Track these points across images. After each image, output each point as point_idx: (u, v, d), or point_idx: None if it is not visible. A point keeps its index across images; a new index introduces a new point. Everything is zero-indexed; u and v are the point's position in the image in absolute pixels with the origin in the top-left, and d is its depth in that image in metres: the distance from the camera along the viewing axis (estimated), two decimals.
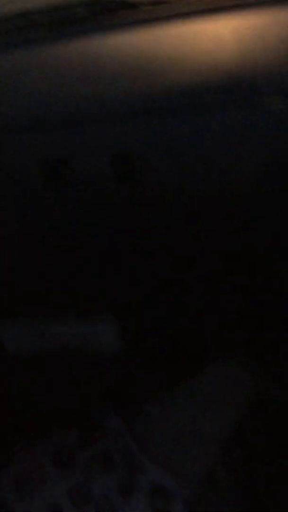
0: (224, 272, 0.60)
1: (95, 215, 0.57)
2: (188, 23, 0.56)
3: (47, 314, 0.73)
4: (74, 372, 0.82)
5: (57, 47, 0.59)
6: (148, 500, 0.75)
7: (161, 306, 0.69)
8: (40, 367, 0.79)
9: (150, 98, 0.54)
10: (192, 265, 0.59)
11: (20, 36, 0.63)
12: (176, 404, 0.80)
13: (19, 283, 0.66)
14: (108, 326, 0.72)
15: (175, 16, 0.57)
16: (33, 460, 0.83)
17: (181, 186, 0.54)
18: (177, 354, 0.82)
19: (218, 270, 0.59)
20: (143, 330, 0.77)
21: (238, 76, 0.52)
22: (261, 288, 0.62)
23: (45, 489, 0.80)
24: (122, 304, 0.70)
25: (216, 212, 0.55)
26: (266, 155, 0.52)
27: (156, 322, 0.76)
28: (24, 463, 0.83)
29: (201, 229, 0.56)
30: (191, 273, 0.60)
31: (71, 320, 0.72)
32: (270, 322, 0.69)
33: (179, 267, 0.60)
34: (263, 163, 0.53)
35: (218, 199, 0.54)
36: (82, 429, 0.87)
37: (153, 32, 0.57)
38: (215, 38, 0.55)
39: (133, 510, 0.75)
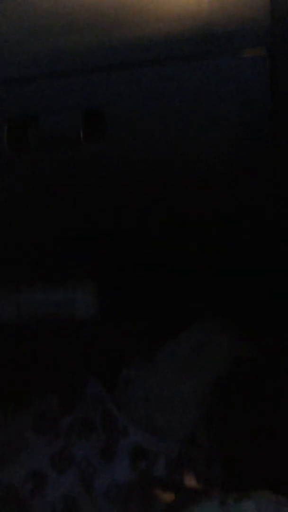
0: (202, 231, 0.59)
1: (65, 176, 0.56)
2: None
3: (22, 282, 0.72)
4: (52, 339, 0.82)
5: None
6: (130, 461, 0.76)
7: (138, 269, 0.68)
8: (17, 335, 0.78)
9: (123, 50, 0.52)
10: (168, 225, 0.58)
11: None
12: (155, 368, 0.80)
13: None
14: (85, 292, 0.71)
15: None
16: (13, 428, 0.83)
17: (156, 142, 0.53)
18: (156, 318, 0.82)
19: (195, 229, 0.59)
20: (121, 295, 0.77)
21: (213, 26, 0.51)
22: (240, 247, 0.61)
23: (27, 456, 0.80)
24: (99, 270, 0.70)
25: (193, 168, 0.53)
26: (242, 104, 0.51)
27: (133, 286, 0.75)
28: (4, 431, 0.83)
29: (177, 187, 0.54)
30: (168, 233, 0.59)
31: (47, 288, 0.71)
32: (250, 282, 0.69)
33: (154, 228, 0.58)
34: (239, 114, 0.51)
35: (194, 154, 0.52)
36: (62, 395, 0.87)
37: None
38: None
39: (116, 472, 0.76)
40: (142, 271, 0.67)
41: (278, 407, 0.88)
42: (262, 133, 0.51)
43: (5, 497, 0.77)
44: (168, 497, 0.78)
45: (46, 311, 0.72)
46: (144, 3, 0.55)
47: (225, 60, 0.50)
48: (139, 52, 0.52)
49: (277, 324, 0.77)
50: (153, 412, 0.78)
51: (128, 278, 0.70)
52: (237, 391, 0.85)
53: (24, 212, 0.58)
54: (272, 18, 0.51)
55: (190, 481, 0.79)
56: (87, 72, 0.53)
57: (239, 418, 0.87)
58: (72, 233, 0.61)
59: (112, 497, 0.76)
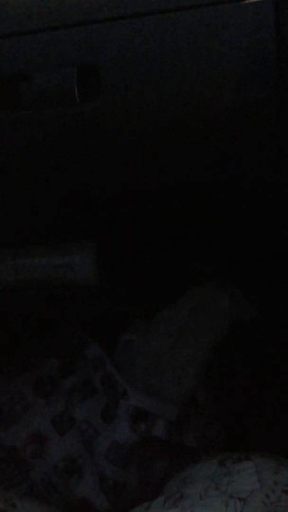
0: (200, 190, 0.57)
1: (59, 136, 0.53)
2: None
3: (21, 246, 0.71)
4: (52, 303, 0.81)
5: None
6: (130, 423, 0.77)
7: (137, 232, 0.67)
8: (17, 299, 0.78)
9: (118, 1, 0.50)
10: (168, 184, 0.56)
11: None
12: (155, 331, 0.80)
13: None
14: (85, 256, 0.70)
15: None
16: (14, 390, 0.84)
17: (155, 99, 0.50)
18: (155, 282, 0.81)
19: (195, 189, 0.57)
20: (120, 259, 0.76)
21: None
22: (239, 207, 0.59)
23: (28, 419, 0.81)
24: (98, 233, 0.68)
25: (194, 125, 0.51)
26: (247, 52, 0.48)
27: (133, 249, 0.74)
28: (6, 393, 0.83)
29: (177, 145, 0.52)
30: (168, 193, 0.57)
31: (46, 252, 0.70)
32: (250, 242, 0.68)
33: (154, 187, 0.57)
34: (244, 62, 0.48)
35: (194, 109, 0.50)
36: (62, 359, 0.87)
37: None
38: None
39: (116, 433, 0.77)
40: (142, 234, 0.66)
41: (278, 368, 0.88)
42: (268, 80, 0.48)
43: (8, 458, 0.78)
44: (167, 457, 0.79)
45: (44, 275, 0.71)
46: None
47: (229, 7, 0.47)
48: (136, 2, 0.49)
49: (277, 286, 0.76)
50: (153, 375, 0.78)
51: (128, 241, 0.69)
52: (237, 353, 0.85)
53: (18, 174, 0.56)
54: None
55: (189, 441, 0.80)
56: (81, 26, 0.50)
57: (238, 380, 0.88)
58: (68, 195, 0.59)
59: (112, 457, 0.77)
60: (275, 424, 0.85)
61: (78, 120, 0.51)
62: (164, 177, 0.55)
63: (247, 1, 0.47)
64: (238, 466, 0.54)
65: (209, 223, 0.63)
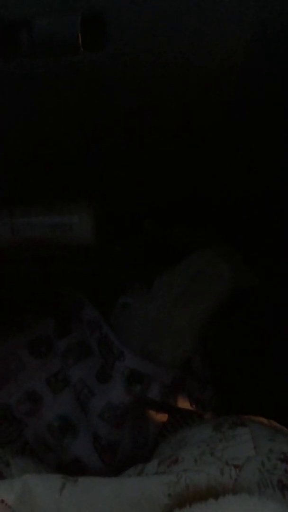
0: (205, 153, 0.55)
1: (60, 87, 0.51)
2: None
3: (18, 204, 0.69)
4: (49, 262, 0.80)
5: None
6: (125, 384, 0.77)
7: (137, 193, 0.65)
8: (15, 258, 0.76)
9: None
10: (174, 141, 0.53)
11: None
12: (154, 294, 0.79)
13: None
14: (84, 216, 0.69)
15: None
16: (9, 349, 0.83)
17: (165, 51, 0.47)
18: (155, 245, 0.80)
19: (198, 151, 0.54)
20: (120, 220, 0.74)
21: None
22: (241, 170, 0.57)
23: (23, 378, 0.81)
24: (97, 193, 0.66)
25: (202, 75, 0.48)
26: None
27: (132, 211, 0.72)
28: (0, 353, 0.83)
29: (185, 98, 0.50)
30: (173, 151, 0.55)
31: (45, 211, 0.69)
32: (252, 208, 0.66)
33: (158, 144, 0.54)
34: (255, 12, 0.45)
35: (202, 60, 0.47)
36: (58, 319, 0.87)
37: None
38: None
39: (110, 394, 0.77)
40: (143, 194, 0.64)
41: (275, 335, 0.88)
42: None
43: (2, 416, 0.78)
44: (161, 418, 0.80)
45: (42, 235, 0.70)
46: None
47: None
48: None
49: (277, 252, 0.75)
50: (150, 338, 0.78)
51: (128, 202, 0.67)
52: (235, 318, 0.85)
53: (16, 126, 0.53)
54: None
55: (184, 404, 0.80)
56: None
57: (234, 346, 0.88)
58: (67, 150, 0.57)
59: (106, 417, 0.77)
60: (270, 389, 0.86)
61: (82, 71, 0.49)
62: (169, 129, 0.53)
63: None
64: (233, 432, 0.54)
65: (212, 182, 0.60)
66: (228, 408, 0.79)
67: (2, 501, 0.40)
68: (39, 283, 0.87)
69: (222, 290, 0.76)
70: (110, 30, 0.48)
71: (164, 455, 0.54)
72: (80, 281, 0.88)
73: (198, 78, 0.48)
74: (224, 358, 0.87)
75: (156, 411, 0.80)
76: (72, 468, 0.75)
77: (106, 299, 0.85)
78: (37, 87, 0.51)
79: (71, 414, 0.79)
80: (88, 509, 0.41)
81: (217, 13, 0.47)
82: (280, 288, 0.79)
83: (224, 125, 0.51)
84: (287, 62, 0.47)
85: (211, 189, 0.63)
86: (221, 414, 0.66)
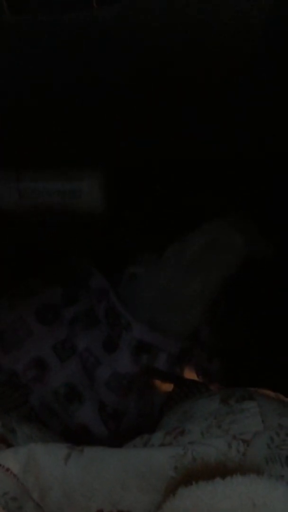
0: (223, 111, 0.52)
1: (71, 44, 0.48)
2: None
3: (25, 168, 0.67)
4: (58, 230, 0.79)
5: None
6: (132, 354, 0.76)
7: (149, 155, 0.63)
8: (23, 224, 0.75)
9: None
10: (191, 101, 0.51)
11: None
12: (164, 265, 0.78)
13: None
14: (94, 183, 0.67)
15: None
16: (17, 316, 0.83)
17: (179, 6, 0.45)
18: (166, 215, 0.78)
19: (216, 109, 0.52)
20: (130, 186, 0.73)
21: None
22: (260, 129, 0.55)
23: (30, 344, 0.80)
24: (107, 158, 0.64)
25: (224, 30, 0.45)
26: None
27: (143, 175, 0.70)
28: (8, 319, 0.83)
29: (200, 56, 0.47)
30: (189, 113, 0.53)
31: (54, 177, 0.67)
32: (266, 179, 0.64)
33: (174, 104, 0.52)
34: None
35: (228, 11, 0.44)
36: (66, 287, 0.86)
37: None
38: None
39: (117, 363, 0.77)
40: (155, 156, 0.62)
41: (286, 306, 0.87)
42: None
43: (8, 382, 0.78)
44: (167, 388, 0.80)
45: (50, 201, 0.68)
46: None
47: None
48: None
49: None
50: (158, 309, 0.77)
51: (139, 165, 0.65)
52: (245, 289, 0.84)
53: (24, 86, 0.51)
54: None
55: (190, 375, 0.80)
56: None
57: (243, 316, 0.87)
58: (77, 113, 0.54)
59: (113, 386, 0.77)
60: (277, 363, 0.85)
61: (94, 27, 0.46)
62: (185, 85, 0.50)
63: None
64: (241, 405, 0.53)
65: (230, 143, 0.58)
66: (235, 380, 0.78)
67: (7, 470, 0.40)
68: (47, 249, 0.86)
69: (234, 260, 0.74)
70: None
71: (170, 426, 0.54)
72: (88, 249, 0.87)
73: (218, 31, 0.45)
74: (233, 329, 0.86)
75: (162, 381, 0.79)
76: (77, 435, 0.76)
77: (114, 268, 0.84)
78: (47, 42, 0.48)
79: (78, 382, 0.79)
80: (93, 479, 0.40)
81: None
82: None
83: (246, 82, 0.48)
84: None
85: (228, 152, 0.60)
86: (228, 386, 0.66)
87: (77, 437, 0.75)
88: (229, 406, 0.54)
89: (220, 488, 0.35)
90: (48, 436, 0.60)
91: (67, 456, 0.42)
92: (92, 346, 0.80)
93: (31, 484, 0.40)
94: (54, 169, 0.67)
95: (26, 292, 0.86)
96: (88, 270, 0.85)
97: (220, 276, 0.75)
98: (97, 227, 0.77)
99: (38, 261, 0.86)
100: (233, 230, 0.74)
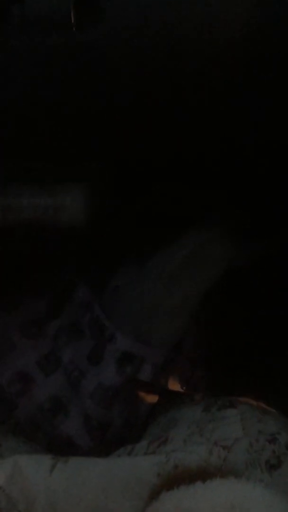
0: (206, 125, 0.53)
1: (51, 67, 0.50)
2: None
3: (8, 185, 0.68)
4: (41, 244, 0.80)
5: None
6: (116, 366, 0.77)
7: (132, 172, 0.64)
8: (6, 239, 0.76)
9: None
10: (168, 118, 0.53)
11: None
12: (146, 275, 0.79)
13: None
14: (77, 198, 0.68)
15: None
16: (1, 330, 0.83)
17: (157, 26, 0.46)
18: (149, 227, 0.79)
19: (198, 121, 0.53)
20: (113, 200, 0.74)
21: None
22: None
23: (14, 358, 0.81)
24: (90, 173, 0.66)
25: (200, 53, 0.47)
26: None
27: (126, 192, 0.72)
28: None
29: (182, 74, 0.49)
30: (167, 128, 0.54)
31: (37, 193, 0.68)
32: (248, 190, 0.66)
33: (153, 122, 0.53)
34: None
35: (201, 36, 0.46)
36: (50, 300, 0.87)
37: None
38: None
39: (102, 376, 0.77)
40: (137, 173, 0.63)
41: (267, 316, 0.88)
42: None
43: None
44: (152, 398, 0.80)
45: (33, 216, 0.69)
46: None
47: None
48: None
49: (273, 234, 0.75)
50: (142, 319, 0.78)
51: (121, 182, 0.66)
52: (227, 300, 0.85)
53: (7, 106, 0.52)
54: None
55: (174, 384, 0.81)
56: None
57: (226, 326, 0.88)
58: (58, 130, 0.56)
59: (97, 398, 0.77)
60: (260, 370, 0.86)
61: (74, 50, 0.48)
62: (163, 108, 0.52)
63: None
64: (222, 413, 0.54)
65: (211, 158, 0.59)
66: (218, 389, 0.79)
67: None
68: (31, 263, 0.87)
69: (215, 271, 0.76)
70: (104, 7, 0.47)
71: (154, 436, 0.55)
72: (72, 262, 0.88)
73: (196, 51, 0.47)
74: (215, 339, 0.87)
75: (147, 392, 0.80)
76: (62, 447, 0.76)
77: (98, 280, 0.85)
78: (28, 64, 0.50)
79: (62, 395, 0.79)
80: (78, 488, 0.41)
81: None
82: (276, 269, 0.79)
83: (235, 90, 0.50)
84: None
85: (216, 156, 0.61)
86: (212, 395, 0.67)
87: (63, 450, 0.76)
88: (211, 414, 0.55)
89: (200, 491, 0.36)
90: (34, 449, 0.60)
91: (52, 467, 0.43)
92: (77, 359, 0.80)
93: (16, 495, 0.41)
94: (38, 185, 0.68)
95: (10, 305, 0.86)
96: (72, 282, 0.86)
97: (201, 287, 0.77)
98: (81, 240, 0.78)
99: (21, 275, 0.87)
100: (213, 241, 0.76)
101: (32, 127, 0.56)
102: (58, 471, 0.42)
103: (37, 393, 0.79)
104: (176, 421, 0.60)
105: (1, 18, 0.46)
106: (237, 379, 0.83)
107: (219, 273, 0.76)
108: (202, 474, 0.39)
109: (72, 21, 0.47)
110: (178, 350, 0.82)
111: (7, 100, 0.51)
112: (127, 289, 0.81)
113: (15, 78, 0.50)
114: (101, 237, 0.78)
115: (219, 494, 0.35)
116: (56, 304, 0.86)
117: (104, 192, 0.70)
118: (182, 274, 0.77)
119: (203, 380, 0.84)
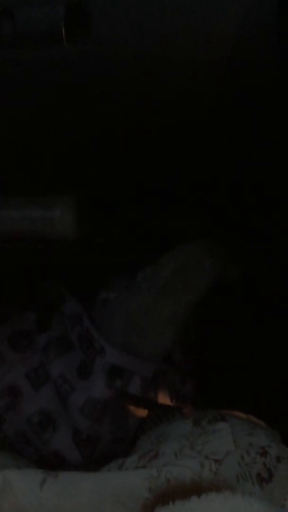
0: (193, 141, 0.54)
1: (41, 80, 0.50)
2: None
3: (0, 197, 0.68)
4: (30, 255, 0.79)
5: None
6: (106, 379, 0.77)
7: (120, 187, 0.65)
8: None
9: None
10: (158, 132, 0.53)
11: None
12: (136, 289, 0.79)
13: None
14: (66, 210, 0.68)
15: None
16: None
17: (146, 42, 0.47)
18: (138, 240, 0.79)
19: (188, 139, 0.54)
20: (102, 214, 0.74)
21: None
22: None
23: (2, 372, 0.80)
24: (80, 186, 0.66)
25: (189, 66, 0.47)
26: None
27: (115, 204, 0.72)
28: None
29: (171, 89, 0.49)
30: (157, 142, 0.55)
31: (26, 204, 0.68)
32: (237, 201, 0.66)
33: (144, 137, 0.54)
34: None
35: (192, 50, 0.47)
36: (39, 313, 0.86)
37: None
38: None
39: (91, 389, 0.77)
40: (126, 187, 0.64)
41: (255, 329, 0.89)
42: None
43: None
44: (142, 412, 0.80)
45: (22, 228, 0.69)
46: None
47: None
48: None
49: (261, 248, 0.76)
50: (131, 332, 0.78)
51: (110, 195, 0.66)
52: (215, 313, 0.86)
53: None
54: None
55: (164, 397, 0.80)
56: None
57: (215, 339, 0.88)
58: (48, 144, 0.56)
59: (87, 412, 0.77)
60: (249, 383, 0.87)
61: (64, 64, 0.48)
62: (153, 124, 0.52)
63: None
64: (213, 427, 0.54)
65: (198, 176, 0.60)
66: (208, 402, 0.79)
67: None
68: (20, 276, 0.87)
69: (204, 283, 0.76)
70: (94, 22, 0.47)
71: (144, 450, 0.55)
72: (62, 275, 0.88)
73: (185, 69, 0.47)
74: (205, 351, 0.87)
75: (137, 406, 0.80)
76: (51, 461, 0.75)
77: (88, 293, 0.85)
78: (17, 77, 0.50)
79: (51, 409, 0.79)
80: (69, 503, 0.41)
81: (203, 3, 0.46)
82: (264, 283, 0.80)
83: (215, 114, 0.51)
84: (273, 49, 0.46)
85: (201, 180, 0.62)
86: (202, 408, 0.67)
87: (52, 465, 0.75)
88: (201, 427, 0.55)
89: (196, 506, 0.36)
90: (23, 464, 0.60)
91: (42, 482, 0.42)
92: (66, 372, 0.80)
93: (6, 510, 0.40)
94: (26, 197, 0.68)
95: None
96: (61, 295, 0.86)
97: (190, 299, 0.77)
98: (70, 252, 0.78)
99: (10, 287, 0.86)
100: (202, 254, 0.76)
101: (21, 139, 0.56)
102: (48, 486, 0.42)
103: (25, 406, 0.78)
104: (166, 435, 0.60)
105: None
106: (227, 392, 0.83)
107: (209, 285, 0.76)
108: (196, 489, 0.39)
109: (63, 34, 0.47)
110: (167, 362, 0.82)
111: None
112: (117, 301, 0.81)
113: (5, 92, 0.51)
114: (91, 249, 0.78)
115: (215, 509, 0.35)
116: (45, 317, 0.86)
117: (94, 204, 0.70)
118: (171, 286, 0.77)
119: (193, 393, 0.84)
